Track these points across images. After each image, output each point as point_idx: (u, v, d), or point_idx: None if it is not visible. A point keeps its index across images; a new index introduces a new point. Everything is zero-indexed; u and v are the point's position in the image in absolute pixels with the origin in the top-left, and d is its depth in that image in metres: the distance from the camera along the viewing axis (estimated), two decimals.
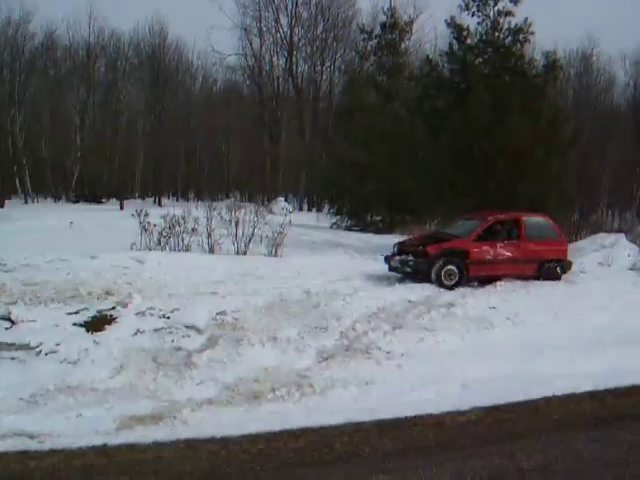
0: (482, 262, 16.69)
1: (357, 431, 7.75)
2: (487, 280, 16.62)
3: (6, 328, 10.85)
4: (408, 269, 16.56)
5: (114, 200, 59.62)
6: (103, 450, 7.12)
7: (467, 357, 10.78)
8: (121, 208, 48.06)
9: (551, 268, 17.41)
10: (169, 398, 8.89)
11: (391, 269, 17.04)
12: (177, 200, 67.14)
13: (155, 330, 11.08)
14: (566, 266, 17.83)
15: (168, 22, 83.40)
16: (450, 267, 16.28)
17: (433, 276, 16.17)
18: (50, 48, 66.95)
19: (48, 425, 7.91)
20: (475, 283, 16.52)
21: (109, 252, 18.07)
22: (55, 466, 6.68)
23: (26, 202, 57.55)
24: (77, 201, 59.70)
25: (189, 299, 12.73)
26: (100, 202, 59.86)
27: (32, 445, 7.27)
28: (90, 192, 63.22)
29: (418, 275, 16.42)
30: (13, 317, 11.08)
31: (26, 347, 10.27)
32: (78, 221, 28.68)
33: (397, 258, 16.98)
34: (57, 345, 10.29)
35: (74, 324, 11.14)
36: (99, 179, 65.84)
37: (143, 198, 68.00)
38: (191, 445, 7.27)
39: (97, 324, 11.17)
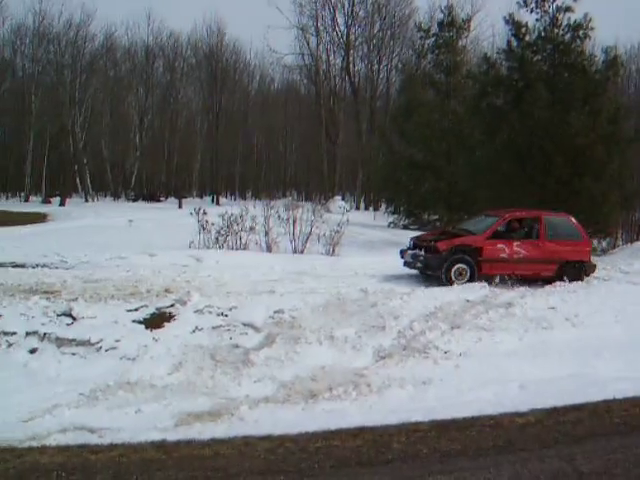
0: (495, 260, 16.10)
1: (414, 431, 7.67)
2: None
3: (67, 324, 11.04)
4: (419, 264, 16.11)
5: (172, 199, 60.31)
6: (162, 445, 7.18)
7: (525, 358, 10.62)
8: (179, 207, 48.68)
9: (573, 270, 16.60)
10: (226, 395, 8.94)
11: (405, 264, 16.63)
12: (234, 199, 67.64)
13: (213, 328, 11.16)
14: (589, 268, 17.01)
15: (225, 22, 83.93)
16: (460, 265, 15.77)
17: (442, 273, 15.64)
18: (110, 49, 68.00)
19: (108, 420, 8.05)
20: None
21: (168, 250, 18.29)
22: (115, 460, 6.75)
23: (86, 200, 58.54)
24: (136, 200, 60.53)
25: (247, 297, 12.78)
26: (158, 201, 60.59)
27: (92, 439, 7.38)
28: (149, 191, 64.12)
29: (428, 271, 16.07)
30: (74, 314, 11.26)
31: (87, 343, 10.44)
32: (137, 219, 29.11)
33: (410, 252, 16.55)
34: (117, 342, 10.44)
35: (133, 321, 11.28)
36: (157, 178, 66.79)
37: (201, 197, 68.76)
38: (248, 442, 7.27)
39: (156, 321, 11.29)
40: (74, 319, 11.18)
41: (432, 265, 15.82)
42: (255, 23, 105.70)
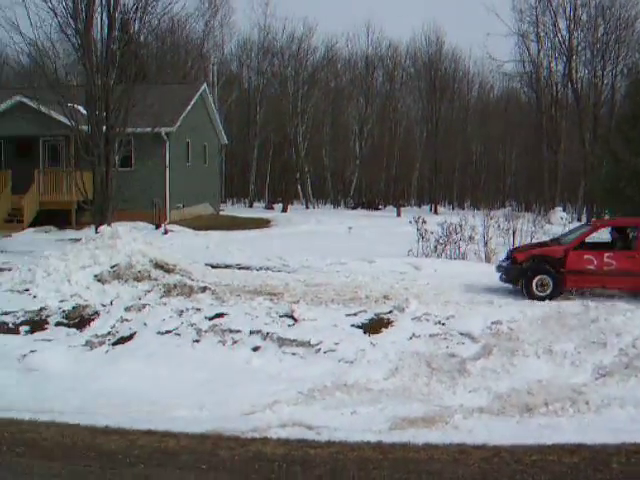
0: (582, 272, 14.48)
1: (635, 452, 7.32)
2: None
3: (289, 325, 11.48)
4: (503, 275, 15.09)
5: (390, 207, 60.81)
6: (379, 446, 7.35)
7: None
8: (398, 215, 49.03)
9: None
10: (441, 403, 8.96)
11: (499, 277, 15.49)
12: (452, 208, 67.15)
13: (430, 336, 11.16)
14: None
15: (444, 31, 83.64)
16: (542, 276, 14.41)
17: (522, 284, 14.49)
18: (331, 61, 69.61)
19: (324, 419, 8.31)
20: None
21: (386, 257, 18.48)
22: (332, 456, 7.02)
23: (307, 207, 60.27)
24: (355, 207, 61.54)
25: (464, 307, 12.65)
26: (377, 209, 61.28)
27: (310, 435, 7.67)
28: (367, 199, 64.97)
29: (510, 282, 14.94)
30: (296, 315, 11.68)
31: (307, 344, 10.79)
32: (356, 227, 29.58)
33: (500, 262, 15.68)
34: (336, 344, 10.71)
35: (352, 325, 11.52)
36: (376, 186, 67.57)
37: (419, 206, 68.85)
38: (463, 450, 7.28)
39: (374, 327, 11.48)
40: (295, 320, 11.59)
41: (511, 275, 14.83)
42: (474, 31, 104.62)
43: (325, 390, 9.28)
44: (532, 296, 14.20)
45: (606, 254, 14.66)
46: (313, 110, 63.05)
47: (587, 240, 15.26)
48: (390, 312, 12.07)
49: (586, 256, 14.65)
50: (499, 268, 15.33)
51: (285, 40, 64.48)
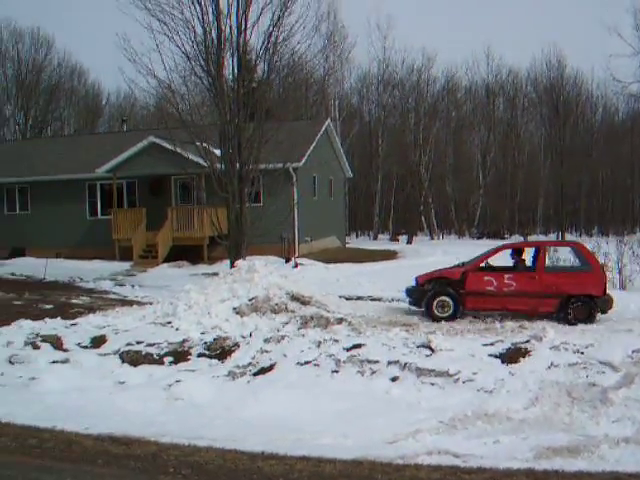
0: (482, 293, 14.80)
1: None
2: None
3: (426, 355, 11.63)
4: (409, 297, 15.74)
5: (516, 236, 60.02)
6: (531, 473, 7.45)
7: None
8: None
9: (578, 306, 14.43)
10: (584, 433, 8.88)
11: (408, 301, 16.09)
12: (580, 235, 65.57)
13: (569, 365, 11.07)
14: (602, 303, 14.61)
15: (565, 54, 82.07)
16: (442, 297, 14.82)
17: (424, 306, 15.02)
18: (451, 90, 69.61)
19: (468, 447, 8.40)
20: None
21: None
22: None
23: (432, 238, 60.21)
24: (480, 237, 60.96)
25: (603, 335, 12.49)
26: (503, 238, 60.50)
27: (458, 462, 7.77)
28: (492, 228, 64.26)
29: (415, 304, 15.49)
30: (432, 345, 11.83)
31: (445, 374, 10.92)
32: None
33: (408, 287, 16.02)
34: (474, 374, 10.80)
35: (490, 355, 11.58)
36: (501, 215, 66.77)
37: (545, 234, 67.59)
38: (617, 477, 7.32)
39: (512, 356, 11.49)
40: (432, 351, 11.74)
41: (415, 298, 15.40)
42: (596, 53, 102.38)
43: (466, 419, 9.37)
44: (433, 317, 14.69)
45: (506, 275, 15.02)
46: (435, 140, 63.07)
47: (491, 263, 15.71)
48: (527, 341, 12.03)
49: (486, 277, 15.06)
50: (407, 292, 15.88)
51: (405, 72, 65.11)
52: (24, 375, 11.72)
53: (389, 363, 11.48)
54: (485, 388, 10.44)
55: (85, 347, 13.22)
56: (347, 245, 42.90)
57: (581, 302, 14.51)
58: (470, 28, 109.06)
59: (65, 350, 13.03)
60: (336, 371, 11.56)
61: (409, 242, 52.67)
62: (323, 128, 37.46)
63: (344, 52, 62.17)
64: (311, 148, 33.54)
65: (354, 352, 11.99)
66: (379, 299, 17.92)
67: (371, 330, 13.01)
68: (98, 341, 13.38)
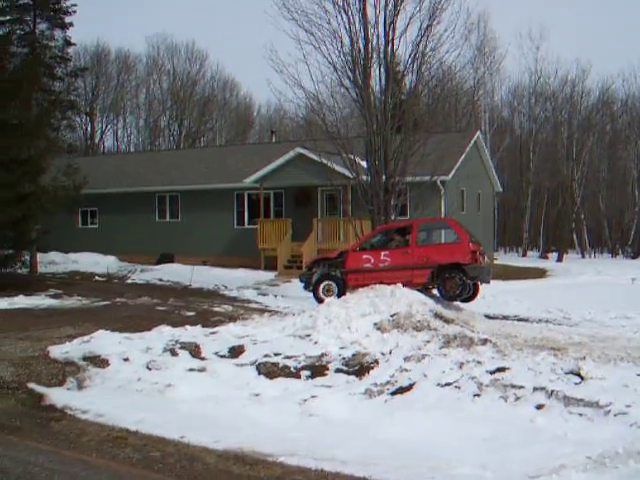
0: (360, 271, 16.23)
1: None
2: None
3: (575, 383, 10.91)
4: (302, 283, 17.18)
5: None
6: None
7: None
8: None
9: (449, 277, 15.64)
10: None
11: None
12: None
13: None
14: (471, 270, 15.53)
15: None
16: (326, 280, 16.31)
17: (311, 287, 16.49)
18: (606, 103, 67.10)
19: None
20: None
21: None
22: None
23: (583, 256, 58.14)
24: (635, 257, 58.32)
25: None
26: None
27: None
28: None
29: (306, 288, 16.96)
30: (582, 373, 11.10)
31: (595, 405, 10.18)
32: (637, 278, 27.99)
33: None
34: (627, 407, 9.99)
35: None
36: None
37: None
38: None
39: None
40: (582, 378, 11.01)
41: (305, 282, 16.93)
42: None
43: (616, 457, 8.62)
44: (318, 297, 16.24)
45: (383, 252, 16.40)
46: (588, 155, 60.85)
47: (375, 243, 17.13)
48: None
49: (364, 256, 16.46)
50: (300, 278, 17.56)
51: (557, 83, 63.26)
52: (160, 381, 11.82)
53: (534, 389, 10.83)
54: (639, 423, 9.65)
55: (223, 356, 13.23)
56: (495, 261, 41.85)
57: (451, 272, 15.63)
58: (627, 37, 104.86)
59: (203, 358, 13.10)
60: (478, 395, 11.03)
61: (559, 260, 51.02)
62: (473, 140, 36.73)
63: (494, 63, 61.23)
64: (460, 161, 32.93)
65: (498, 376, 11.42)
66: (526, 319, 17.21)
67: (517, 353, 12.37)
68: (236, 351, 13.37)
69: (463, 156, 33.68)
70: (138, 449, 8.67)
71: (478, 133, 39.40)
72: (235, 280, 28.07)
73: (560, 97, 63.14)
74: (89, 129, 74.70)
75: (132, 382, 11.91)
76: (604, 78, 71.58)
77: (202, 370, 12.45)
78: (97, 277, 30.12)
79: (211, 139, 77.57)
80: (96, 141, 75.78)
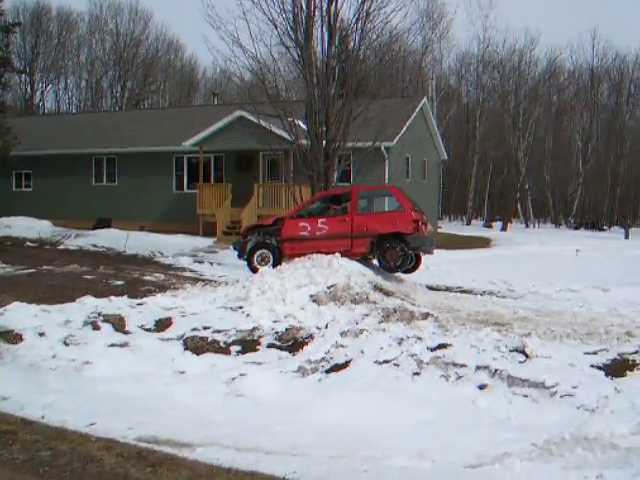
0: (296, 239, 15.62)
1: None
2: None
3: (520, 362, 10.29)
4: (235, 252, 16.56)
5: (615, 228, 57.60)
6: None
7: None
8: (626, 237, 45.89)
9: (389, 247, 15.03)
10: None
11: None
12: None
13: None
14: (412, 240, 14.97)
15: None
16: (261, 249, 15.85)
17: (245, 256, 16.00)
18: (553, 74, 67.26)
19: None
20: None
21: (620, 285, 16.98)
22: None
23: (527, 226, 58.40)
24: (577, 227, 58.83)
25: None
26: (601, 229, 58.17)
27: None
28: (590, 218, 61.97)
29: (240, 257, 16.41)
30: (527, 351, 10.47)
31: (540, 386, 9.57)
32: (583, 249, 27.88)
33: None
34: (573, 388, 9.40)
35: (591, 366, 10.12)
36: (600, 206, 64.29)
37: None
38: None
39: (618, 369, 10.01)
40: (527, 357, 10.38)
41: (239, 250, 16.33)
42: None
43: (563, 444, 8.00)
44: (252, 267, 15.81)
45: (320, 220, 15.69)
46: (534, 125, 60.92)
47: (313, 210, 16.45)
48: (636, 352, 10.52)
49: (301, 224, 15.75)
50: (233, 246, 16.85)
51: (506, 53, 63.17)
52: (77, 358, 10.84)
53: (477, 368, 10.18)
54: (586, 406, 8.95)
55: (148, 330, 12.31)
56: (439, 230, 41.48)
57: (391, 242, 15.03)
58: (576, 9, 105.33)
59: (126, 332, 12.14)
60: (417, 373, 10.37)
61: (503, 229, 51.06)
62: (419, 107, 36.18)
63: (442, 30, 60.62)
64: (405, 127, 32.35)
65: (439, 353, 10.75)
66: (470, 291, 16.67)
67: (459, 329, 11.69)
68: (163, 324, 12.47)
69: (408, 122, 33.10)
70: (27, 447, 7.53)
71: (424, 99, 38.83)
72: (172, 246, 27.14)
73: (508, 66, 63.04)
74: (29, 89, 72.46)
75: (46, 359, 10.89)
76: (552, 48, 72.01)
77: (124, 345, 11.51)
78: (29, 243, 28.82)
79: (155, 102, 75.94)
80: (36, 101, 73.59)
